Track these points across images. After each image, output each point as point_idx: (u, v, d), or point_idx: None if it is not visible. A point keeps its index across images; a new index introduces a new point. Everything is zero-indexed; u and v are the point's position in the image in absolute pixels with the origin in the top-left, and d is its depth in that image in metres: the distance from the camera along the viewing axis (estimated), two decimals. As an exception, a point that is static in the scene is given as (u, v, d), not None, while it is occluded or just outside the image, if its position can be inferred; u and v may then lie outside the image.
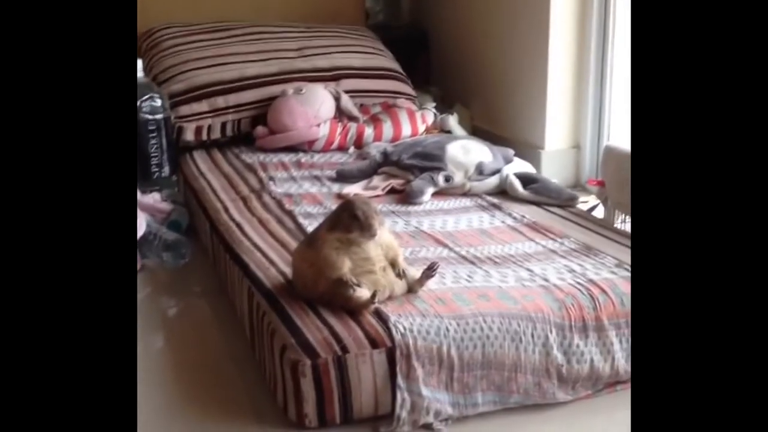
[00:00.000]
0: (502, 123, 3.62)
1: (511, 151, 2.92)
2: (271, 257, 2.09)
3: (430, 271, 1.80)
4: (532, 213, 2.47)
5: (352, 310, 1.71)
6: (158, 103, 2.93)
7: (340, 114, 3.37)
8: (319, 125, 3.24)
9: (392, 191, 2.69)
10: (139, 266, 2.43)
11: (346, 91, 3.40)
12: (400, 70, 3.70)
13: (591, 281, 1.84)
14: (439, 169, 2.67)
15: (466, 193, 2.67)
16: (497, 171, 2.70)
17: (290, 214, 2.44)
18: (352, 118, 3.36)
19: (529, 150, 3.29)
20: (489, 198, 2.62)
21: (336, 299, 1.72)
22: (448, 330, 1.68)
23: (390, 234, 1.82)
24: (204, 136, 3.27)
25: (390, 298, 1.77)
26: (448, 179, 2.65)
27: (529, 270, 1.99)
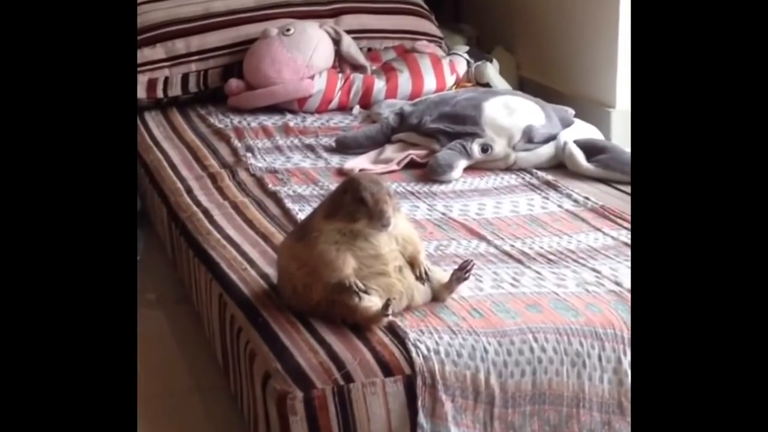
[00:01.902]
0: (559, 73, 3.60)
1: (571, 111, 2.91)
2: (248, 254, 2.09)
3: (461, 272, 1.80)
4: (598, 194, 2.46)
5: (358, 324, 1.71)
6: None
7: (341, 62, 3.36)
8: (312, 77, 3.22)
9: (411, 165, 2.68)
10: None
11: (349, 32, 3.39)
12: (421, 2, 3.69)
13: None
14: (473, 136, 2.65)
15: (510, 168, 2.66)
16: (551, 138, 2.69)
17: (274, 197, 2.44)
18: (357, 68, 3.35)
19: (595, 109, 3.27)
20: (541, 174, 2.61)
21: (336, 310, 1.73)
22: (486, 351, 1.69)
23: (408, 223, 1.83)
24: (159, 93, 3.28)
25: (408, 308, 1.78)
26: (485, 149, 2.64)
27: (595, 271, 1.98)
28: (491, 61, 3.49)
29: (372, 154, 2.77)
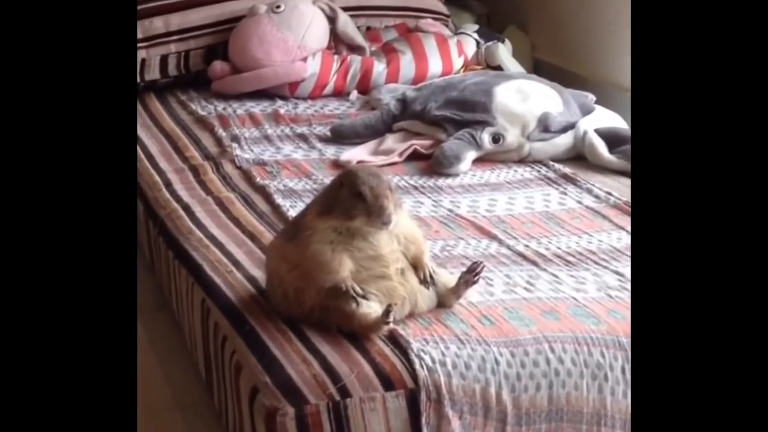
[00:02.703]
0: (577, 55, 3.60)
1: (591, 97, 2.91)
2: (234, 255, 2.09)
3: (470, 275, 1.80)
4: (621, 189, 2.46)
5: (356, 333, 1.72)
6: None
7: (337, 42, 3.36)
8: (305, 59, 3.23)
9: (414, 157, 2.68)
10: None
11: (346, 8, 3.39)
12: (426, -24, 3.71)
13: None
14: (483, 124, 2.66)
15: (524, 160, 2.67)
16: (570, 126, 2.70)
17: (263, 192, 2.45)
18: (355, 49, 3.36)
19: (618, 94, 3.27)
20: (558, 166, 2.62)
21: (331, 317, 1.73)
22: (497, 363, 1.69)
23: (411, 221, 1.84)
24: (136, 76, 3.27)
25: (411, 315, 1.78)
26: (497, 139, 2.65)
27: (618, 274, 1.99)
28: (503, 42, 3.49)
29: (371, 144, 2.77)
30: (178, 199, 2.46)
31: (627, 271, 1.99)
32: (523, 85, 2.76)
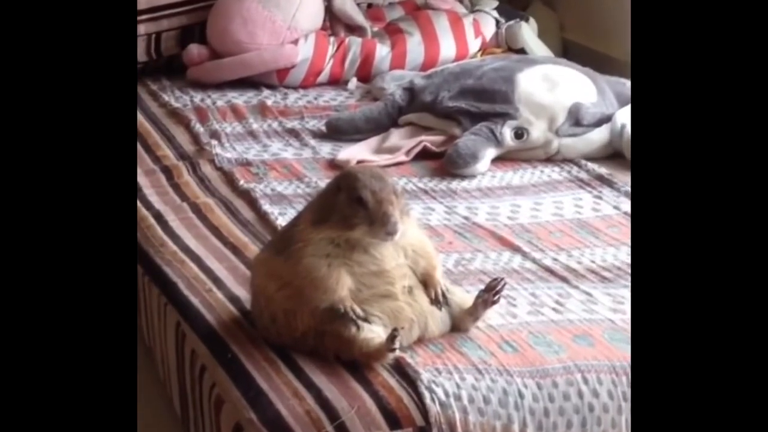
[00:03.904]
0: (613, 35, 3.57)
1: (630, 84, 2.88)
2: (214, 272, 2.10)
3: (489, 294, 1.80)
4: (666, 192, 2.49)
5: (356, 362, 1.72)
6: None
7: (333, 22, 3.37)
8: (296, 42, 3.23)
9: (424, 155, 2.69)
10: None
11: (344, -17, 3.43)
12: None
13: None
14: (504, 117, 2.66)
15: (552, 158, 2.68)
16: (605, 119, 2.70)
17: (247, 197, 2.45)
18: (354, 29, 3.37)
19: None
20: (592, 166, 2.62)
21: (328, 344, 1.74)
22: (522, 397, 1.69)
23: (420, 231, 1.84)
24: (98, 63, 3.29)
25: (421, 340, 1.78)
26: (520, 134, 2.65)
27: (662, 291, 2.01)
28: (527, 21, 3.50)
29: (373, 141, 2.78)
30: (149, 206, 2.46)
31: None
32: (550, 71, 2.77)
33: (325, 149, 2.75)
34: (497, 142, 2.64)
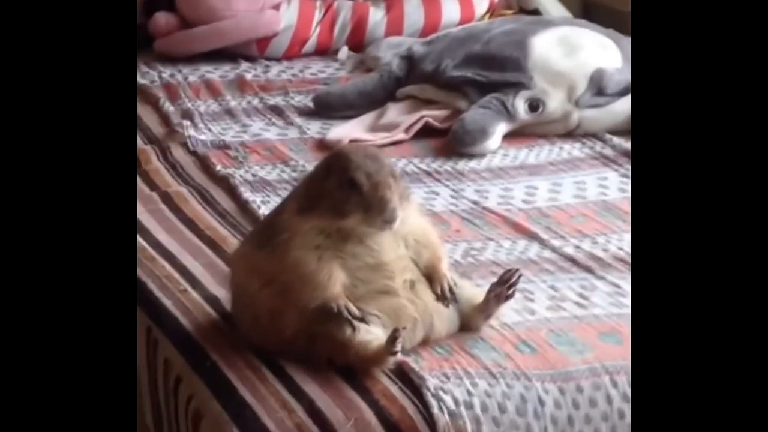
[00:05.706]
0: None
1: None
2: (189, 270, 2.09)
3: (503, 287, 1.79)
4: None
5: (352, 367, 1.71)
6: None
7: (319, -16, 3.35)
8: (277, 6, 3.24)
9: (426, 132, 2.68)
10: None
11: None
12: None
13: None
14: (517, 87, 2.65)
15: (573, 132, 2.67)
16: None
17: (225, 184, 2.44)
18: (343, -8, 3.35)
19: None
20: (617, 141, 2.62)
21: (320, 347, 1.73)
22: (542, 403, 1.68)
23: (423, 218, 1.83)
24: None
25: (426, 342, 1.78)
26: (535, 106, 2.63)
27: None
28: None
29: (368, 118, 2.77)
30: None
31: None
32: (568, 34, 2.77)
33: (313, 128, 2.75)
34: (509, 115, 2.62)
